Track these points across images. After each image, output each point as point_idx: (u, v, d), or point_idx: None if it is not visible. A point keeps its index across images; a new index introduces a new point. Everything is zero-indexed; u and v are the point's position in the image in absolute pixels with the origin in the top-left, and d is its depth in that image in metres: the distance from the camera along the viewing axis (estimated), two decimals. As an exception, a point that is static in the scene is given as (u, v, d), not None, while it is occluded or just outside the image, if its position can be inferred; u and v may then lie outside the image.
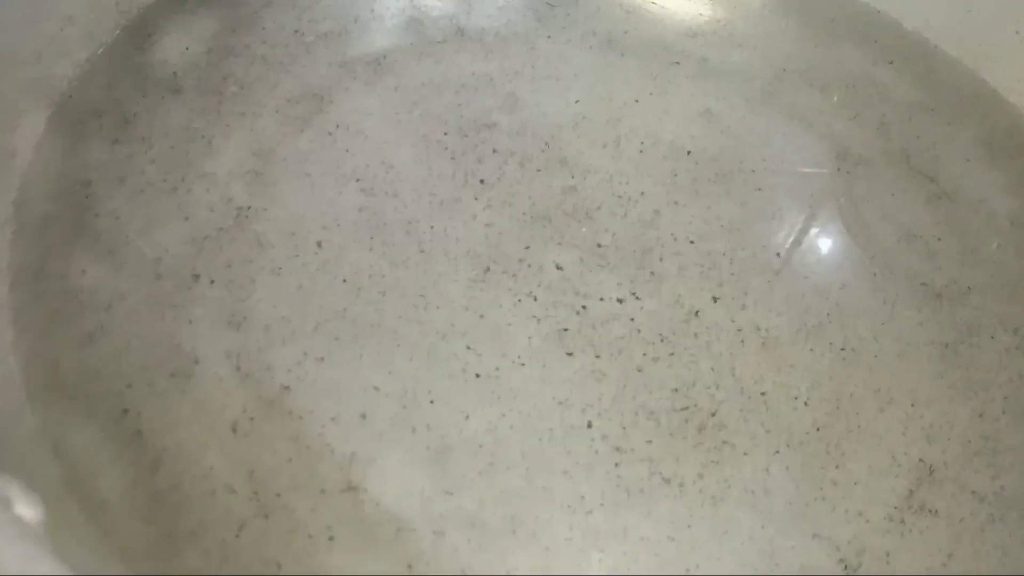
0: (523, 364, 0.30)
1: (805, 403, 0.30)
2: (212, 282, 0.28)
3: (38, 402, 0.23)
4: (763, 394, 0.30)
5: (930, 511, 0.28)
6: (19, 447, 0.21)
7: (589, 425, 0.29)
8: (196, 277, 0.28)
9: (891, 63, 0.38)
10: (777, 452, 0.29)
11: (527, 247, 0.32)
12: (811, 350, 0.31)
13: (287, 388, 0.27)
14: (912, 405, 0.30)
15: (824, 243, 0.34)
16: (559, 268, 0.32)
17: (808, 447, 0.29)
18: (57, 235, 0.26)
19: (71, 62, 0.29)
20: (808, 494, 0.28)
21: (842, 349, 0.31)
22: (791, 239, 0.34)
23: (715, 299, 0.32)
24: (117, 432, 0.24)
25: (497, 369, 0.29)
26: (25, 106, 0.27)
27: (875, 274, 0.33)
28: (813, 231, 0.34)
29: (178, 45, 0.32)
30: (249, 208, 0.30)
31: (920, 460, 0.29)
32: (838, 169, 0.36)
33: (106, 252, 0.27)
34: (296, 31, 0.35)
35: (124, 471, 0.23)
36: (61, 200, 0.27)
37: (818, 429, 0.30)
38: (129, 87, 0.30)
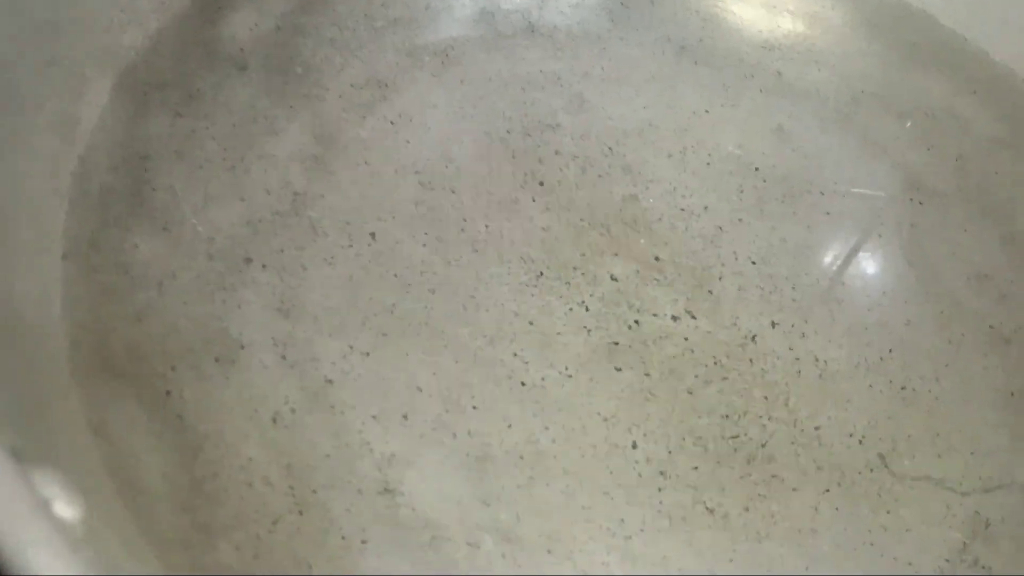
0: (570, 376, 0.29)
1: (860, 441, 0.29)
2: (264, 267, 0.28)
3: (83, 380, 0.22)
4: (817, 428, 0.29)
5: (983, 567, 0.27)
6: (61, 427, 0.21)
7: (634, 446, 0.28)
8: (248, 260, 0.28)
9: (974, 93, 0.37)
10: (827, 491, 0.28)
11: (583, 254, 0.32)
12: (870, 386, 0.30)
13: (331, 381, 0.27)
14: (971, 453, 0.29)
15: (890, 276, 0.33)
16: (614, 279, 0.31)
17: (860, 488, 0.28)
18: (113, 207, 0.26)
19: (141, 32, 0.29)
20: (856, 538, 0.27)
21: (902, 388, 0.30)
22: (857, 268, 0.33)
23: (774, 324, 0.31)
24: (159, 415, 0.23)
25: (543, 379, 0.29)
26: (92, 74, 0.27)
27: (941, 312, 0.32)
28: (880, 262, 0.33)
29: (248, 21, 0.32)
30: (306, 193, 0.30)
31: (976, 512, 0.28)
32: (911, 200, 0.34)
33: (160, 228, 0.27)
34: (366, 15, 0.34)
35: (164, 456, 0.23)
36: (120, 172, 0.27)
37: (872, 470, 0.29)
38: (196, 61, 0.30)
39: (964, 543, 0.27)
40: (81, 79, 0.26)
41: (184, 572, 0.21)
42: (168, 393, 0.24)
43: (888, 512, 0.28)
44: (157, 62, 0.29)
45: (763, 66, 0.37)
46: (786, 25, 0.38)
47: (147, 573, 0.19)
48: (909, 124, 0.36)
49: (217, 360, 0.25)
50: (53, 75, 0.25)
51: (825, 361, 0.30)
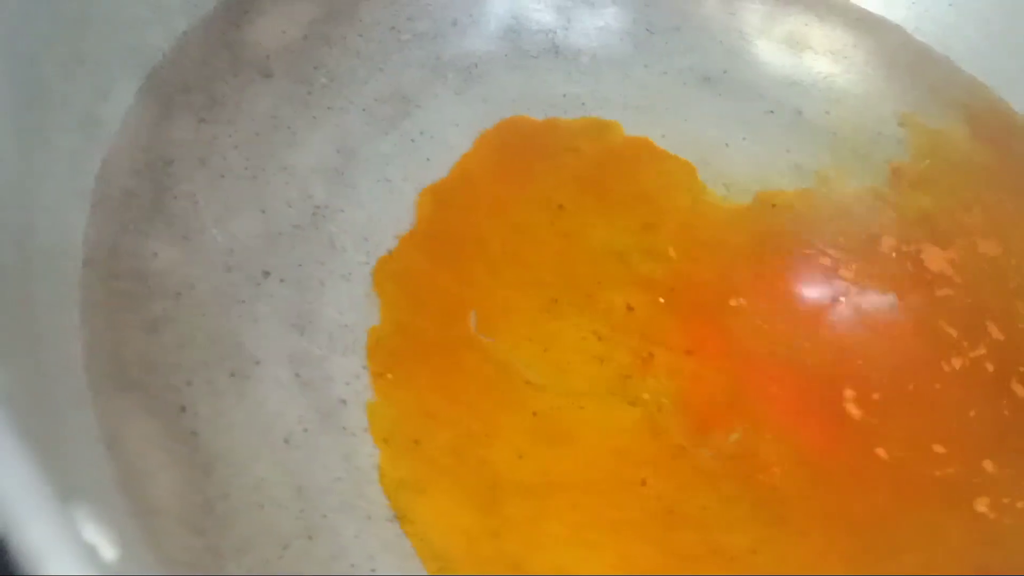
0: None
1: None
2: (281, 280, 0.27)
3: (99, 391, 0.22)
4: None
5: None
6: (76, 439, 0.20)
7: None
8: (266, 274, 0.27)
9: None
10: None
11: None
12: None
13: (344, 402, 0.26)
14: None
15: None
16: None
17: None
18: (134, 213, 0.26)
19: (168, 32, 0.28)
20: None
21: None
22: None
23: (786, 365, 0.31)
24: (174, 431, 0.23)
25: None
26: (118, 74, 0.26)
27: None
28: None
29: (275, 27, 0.31)
30: (326, 207, 0.29)
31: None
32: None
33: (180, 236, 0.26)
34: (392, 28, 0.34)
35: (177, 474, 0.22)
36: (142, 177, 0.26)
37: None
38: (221, 65, 0.30)
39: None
40: (107, 78, 0.26)
41: (195, 597, 0.20)
42: (183, 408, 0.24)
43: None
44: (182, 64, 0.28)
45: (783, 102, 0.37)
46: (808, 62, 0.38)
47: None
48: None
49: (232, 375, 0.25)
50: (80, 72, 0.25)
51: (836, 405, 0.30)
